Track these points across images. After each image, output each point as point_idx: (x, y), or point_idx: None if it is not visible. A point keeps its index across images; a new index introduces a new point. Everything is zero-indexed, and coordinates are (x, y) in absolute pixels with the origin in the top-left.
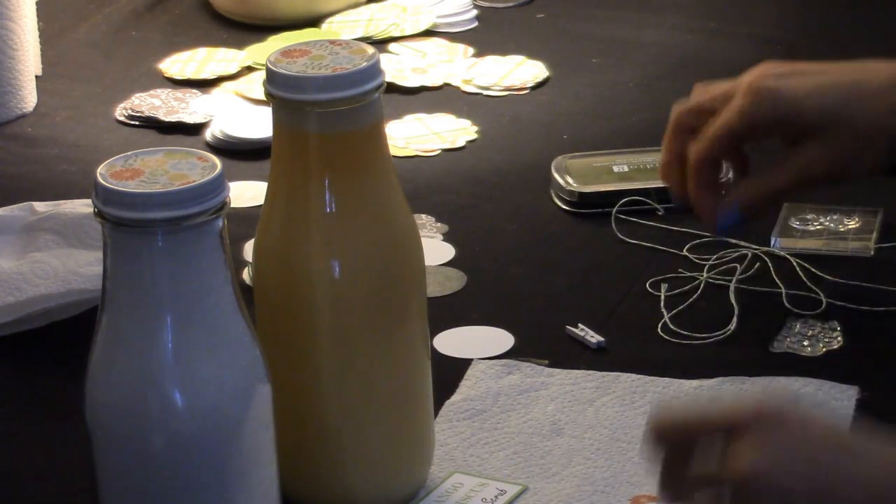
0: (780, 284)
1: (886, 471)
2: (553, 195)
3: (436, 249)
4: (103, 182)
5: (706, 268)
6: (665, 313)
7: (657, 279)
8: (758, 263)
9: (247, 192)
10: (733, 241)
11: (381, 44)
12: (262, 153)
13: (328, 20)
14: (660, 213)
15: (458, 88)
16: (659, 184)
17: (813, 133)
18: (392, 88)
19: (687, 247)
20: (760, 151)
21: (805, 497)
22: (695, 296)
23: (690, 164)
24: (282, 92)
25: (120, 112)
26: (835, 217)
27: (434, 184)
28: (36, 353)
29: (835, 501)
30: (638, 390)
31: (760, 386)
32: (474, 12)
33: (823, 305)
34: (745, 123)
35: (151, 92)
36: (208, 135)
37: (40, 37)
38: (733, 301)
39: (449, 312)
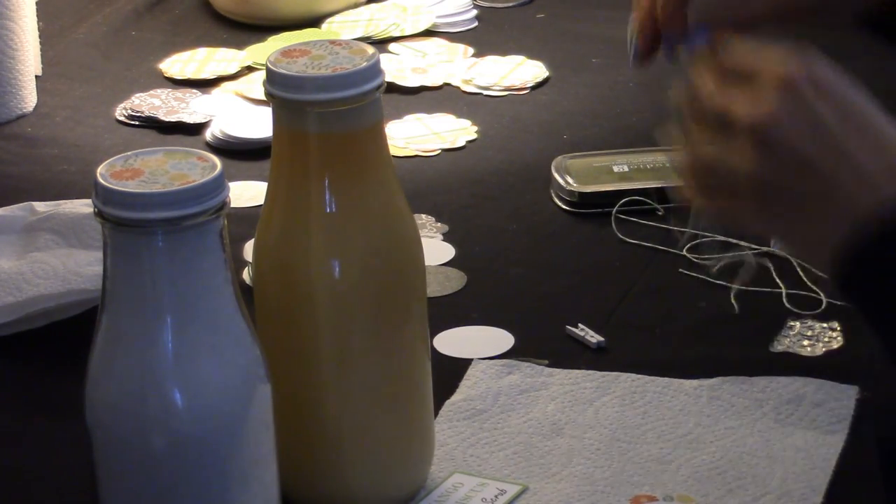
0: (781, 284)
1: None
2: (553, 195)
3: (436, 249)
4: (103, 182)
5: (706, 268)
6: (665, 313)
7: (657, 279)
8: (758, 264)
9: (247, 192)
10: (734, 241)
11: (381, 44)
12: (262, 153)
13: (328, 20)
14: (660, 213)
15: (458, 88)
16: (659, 184)
17: None
18: (392, 88)
19: (687, 247)
20: None
21: (813, 156)
22: (695, 296)
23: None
24: (282, 92)
25: (120, 112)
26: None
27: (434, 184)
28: (36, 353)
29: (840, 163)
30: (638, 390)
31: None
32: (474, 12)
33: (823, 305)
34: None
35: (151, 92)
36: (208, 135)
37: (40, 37)
38: (733, 301)
39: (449, 312)
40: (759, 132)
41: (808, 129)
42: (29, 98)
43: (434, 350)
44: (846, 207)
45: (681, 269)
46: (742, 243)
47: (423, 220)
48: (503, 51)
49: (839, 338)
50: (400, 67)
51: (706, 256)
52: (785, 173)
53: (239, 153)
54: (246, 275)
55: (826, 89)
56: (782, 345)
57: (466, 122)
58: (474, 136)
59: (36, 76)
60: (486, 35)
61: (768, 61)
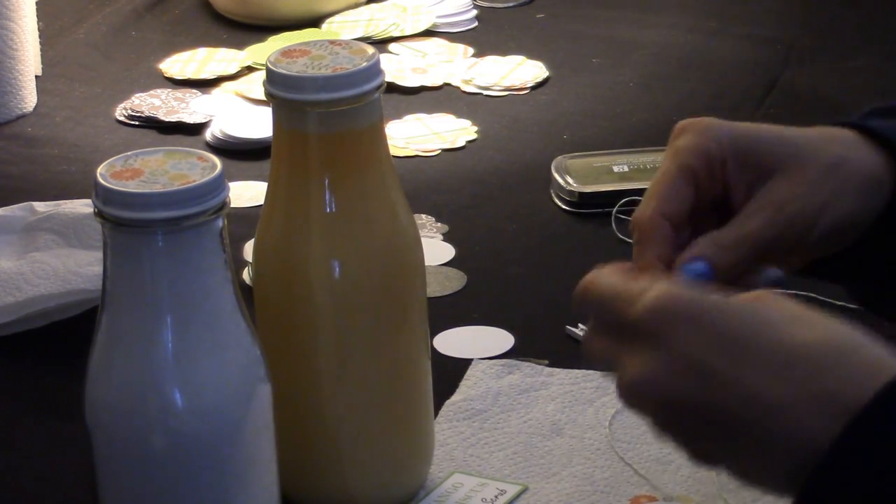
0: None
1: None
2: (553, 195)
3: (436, 249)
4: (103, 182)
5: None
6: None
7: None
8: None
9: (247, 192)
10: None
11: (381, 44)
12: (262, 153)
13: (328, 20)
14: None
15: (458, 88)
16: None
17: (775, 169)
18: (392, 88)
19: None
20: None
21: (691, 406)
22: None
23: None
24: (282, 92)
25: (120, 112)
26: None
27: (434, 184)
28: (36, 353)
29: (720, 411)
30: None
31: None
32: (474, 12)
33: (823, 305)
34: (697, 159)
35: (151, 92)
36: (208, 135)
37: (40, 37)
38: None
39: (449, 312)
40: (639, 392)
41: (686, 374)
42: (29, 98)
43: (434, 350)
44: (776, 455)
45: None
46: None
47: (423, 220)
48: (503, 51)
49: None
50: (400, 67)
51: None
52: (686, 426)
53: (239, 153)
54: (246, 275)
55: (689, 320)
56: None
57: (466, 122)
58: (474, 136)
59: (36, 76)
60: (486, 35)
61: (622, 302)
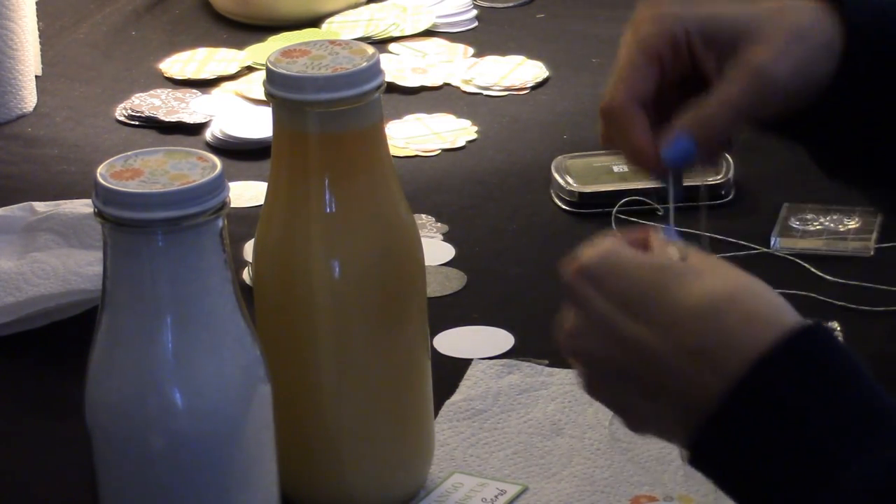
0: (780, 284)
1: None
2: (553, 195)
3: (436, 249)
4: (103, 182)
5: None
6: None
7: None
8: (758, 263)
9: (247, 192)
10: (733, 240)
11: (381, 44)
12: (262, 153)
13: (328, 20)
14: (660, 214)
15: (458, 88)
16: (659, 184)
17: (742, 40)
18: (392, 88)
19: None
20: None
21: (605, 361)
22: None
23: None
24: (282, 92)
25: (120, 112)
26: (835, 217)
27: (434, 184)
28: (36, 353)
29: (625, 365)
30: None
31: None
32: (474, 12)
33: (823, 305)
34: (661, 42)
35: (151, 92)
36: (208, 135)
37: (40, 37)
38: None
39: (449, 312)
40: (564, 350)
41: (594, 329)
42: (29, 98)
43: (434, 350)
44: (668, 408)
45: None
46: (742, 243)
47: (423, 220)
48: (503, 51)
49: (839, 338)
50: (400, 67)
51: None
52: (605, 378)
53: (239, 153)
54: (246, 275)
55: (601, 280)
56: None
57: (466, 122)
58: (474, 136)
59: (36, 76)
60: (486, 35)
61: (566, 265)
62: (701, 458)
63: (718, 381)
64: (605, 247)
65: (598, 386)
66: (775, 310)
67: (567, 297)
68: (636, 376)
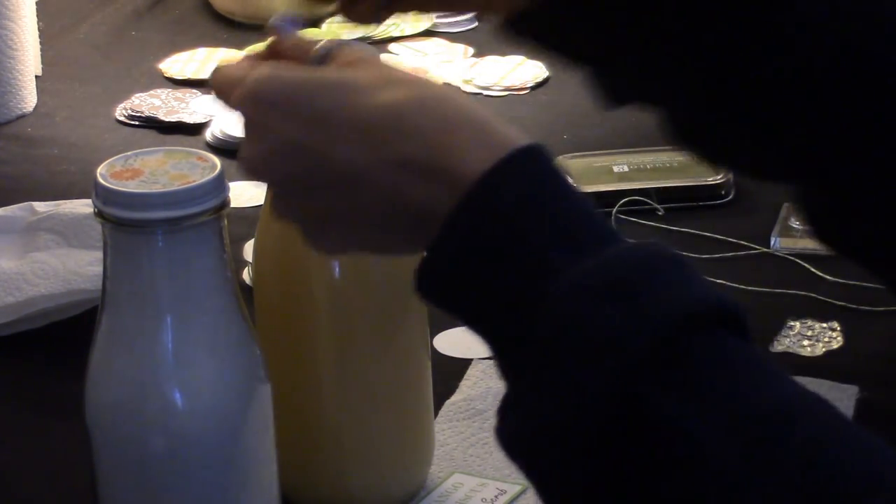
0: (780, 284)
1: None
2: None
3: None
4: (103, 182)
5: (706, 268)
6: None
7: None
8: (758, 263)
9: (247, 192)
10: (733, 240)
11: (381, 44)
12: None
13: (328, 20)
14: (660, 213)
15: (458, 88)
16: (659, 184)
17: None
18: None
19: (687, 246)
20: None
21: (300, 185)
22: None
23: None
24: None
25: (120, 112)
26: None
27: None
28: (36, 353)
29: (324, 185)
30: None
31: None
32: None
33: (823, 305)
34: None
35: (151, 92)
36: (208, 135)
37: (40, 37)
38: None
39: None
40: (254, 178)
41: (286, 153)
42: (29, 98)
43: (434, 350)
44: (373, 217)
45: None
46: (742, 242)
47: None
48: (503, 51)
49: (839, 338)
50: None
51: (706, 256)
52: (307, 201)
53: None
54: (246, 275)
55: (279, 104)
56: (782, 345)
57: None
58: None
59: (36, 76)
60: (486, 35)
61: (231, 86)
62: (429, 272)
63: (426, 190)
64: (265, 70)
65: (308, 213)
66: (465, 114)
67: (245, 124)
68: (341, 196)
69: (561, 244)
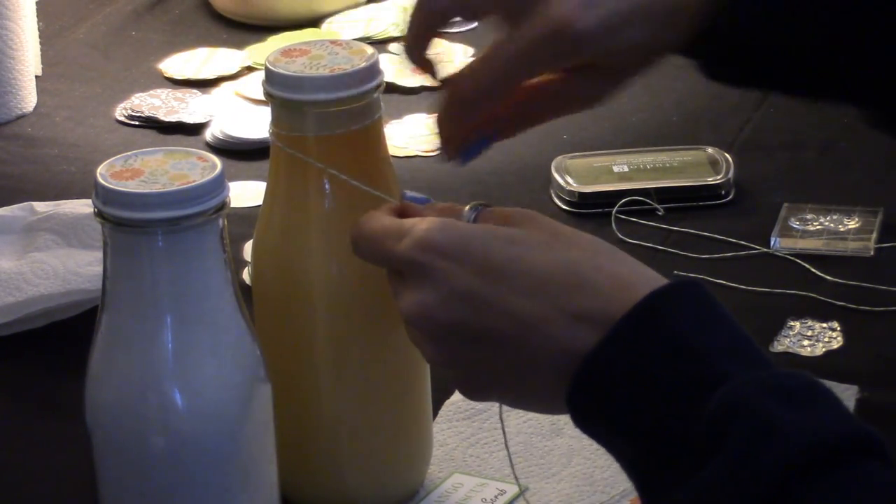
0: (780, 284)
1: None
2: (553, 195)
3: None
4: (103, 182)
5: (706, 268)
6: None
7: None
8: (758, 263)
9: (247, 192)
10: (733, 240)
11: (381, 44)
12: (262, 153)
13: (328, 20)
14: (660, 213)
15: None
16: (659, 184)
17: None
18: (392, 88)
19: (687, 246)
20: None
21: (463, 333)
22: None
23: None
24: (280, 92)
25: (120, 112)
26: (835, 217)
27: (434, 184)
28: (36, 353)
29: (489, 333)
30: None
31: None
32: None
33: (823, 305)
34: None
35: (151, 92)
36: (208, 135)
37: (40, 37)
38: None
39: None
40: (415, 326)
41: (456, 302)
42: (29, 98)
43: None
44: (541, 368)
45: (676, 272)
46: (742, 242)
47: None
48: None
49: (839, 338)
50: (400, 67)
51: (706, 256)
52: (467, 352)
53: (239, 153)
54: (246, 275)
55: (453, 253)
56: (782, 345)
57: None
58: None
59: (36, 76)
60: (486, 35)
61: (389, 240)
62: (582, 407)
63: (597, 336)
64: (435, 221)
65: (455, 361)
66: (639, 269)
67: (409, 272)
68: (509, 347)
69: (733, 355)
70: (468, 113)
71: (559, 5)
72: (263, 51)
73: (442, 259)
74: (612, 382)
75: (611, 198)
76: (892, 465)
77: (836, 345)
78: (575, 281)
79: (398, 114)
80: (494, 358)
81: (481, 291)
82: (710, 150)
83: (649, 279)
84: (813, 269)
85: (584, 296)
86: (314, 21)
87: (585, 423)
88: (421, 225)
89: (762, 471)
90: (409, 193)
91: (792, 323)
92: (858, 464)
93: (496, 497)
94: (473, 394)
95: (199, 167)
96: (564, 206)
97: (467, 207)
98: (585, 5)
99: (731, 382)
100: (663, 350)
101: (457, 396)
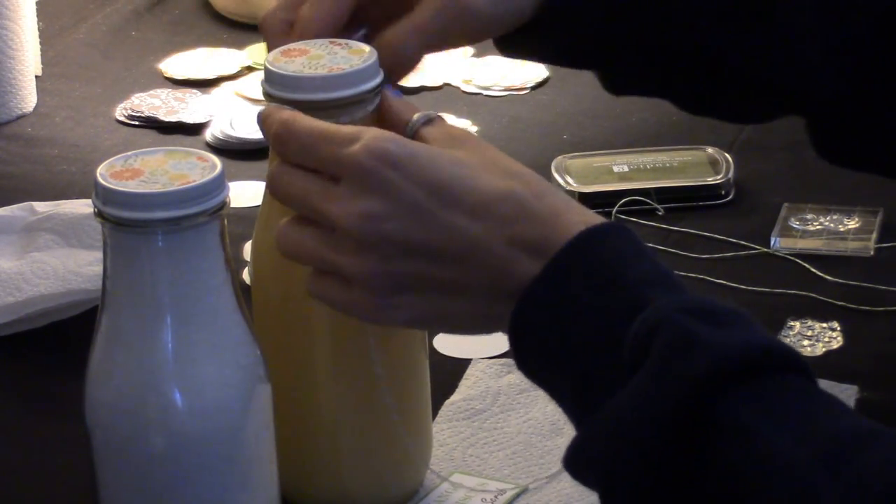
0: (780, 284)
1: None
2: None
3: None
4: (103, 182)
5: (706, 268)
6: None
7: None
8: (758, 263)
9: (247, 192)
10: (733, 240)
11: None
12: (262, 153)
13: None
14: (660, 213)
15: (458, 88)
16: (659, 184)
17: None
18: None
19: (687, 246)
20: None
21: (412, 244)
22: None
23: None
24: (279, 91)
25: (120, 112)
26: (835, 217)
27: None
28: (36, 353)
29: (435, 247)
30: None
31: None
32: None
33: (823, 305)
34: None
35: (151, 92)
36: (208, 135)
37: (40, 37)
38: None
39: None
40: (351, 235)
41: (403, 213)
42: (29, 98)
43: (434, 350)
44: (481, 288)
45: (676, 272)
46: (742, 242)
47: None
48: None
49: (839, 338)
50: None
51: (706, 256)
52: (403, 264)
53: (239, 153)
54: (246, 275)
55: (403, 165)
56: None
57: (466, 122)
58: None
59: (36, 76)
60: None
61: (333, 144)
62: (521, 335)
63: (535, 262)
64: (385, 132)
65: (394, 279)
66: (569, 200)
67: (355, 179)
68: (449, 263)
69: (656, 284)
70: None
71: None
72: (263, 51)
73: (391, 169)
74: (551, 313)
75: (611, 198)
76: (814, 380)
77: (835, 345)
78: (515, 208)
79: None
80: (430, 273)
81: (428, 206)
82: (710, 150)
83: (581, 210)
84: (813, 269)
85: (522, 222)
86: None
87: (523, 350)
88: (370, 132)
89: (683, 380)
90: (391, 88)
91: (792, 323)
92: (778, 377)
93: (496, 497)
94: (392, 311)
95: (199, 167)
96: None
97: (416, 115)
98: None
99: (654, 304)
100: (594, 281)
101: (456, 396)
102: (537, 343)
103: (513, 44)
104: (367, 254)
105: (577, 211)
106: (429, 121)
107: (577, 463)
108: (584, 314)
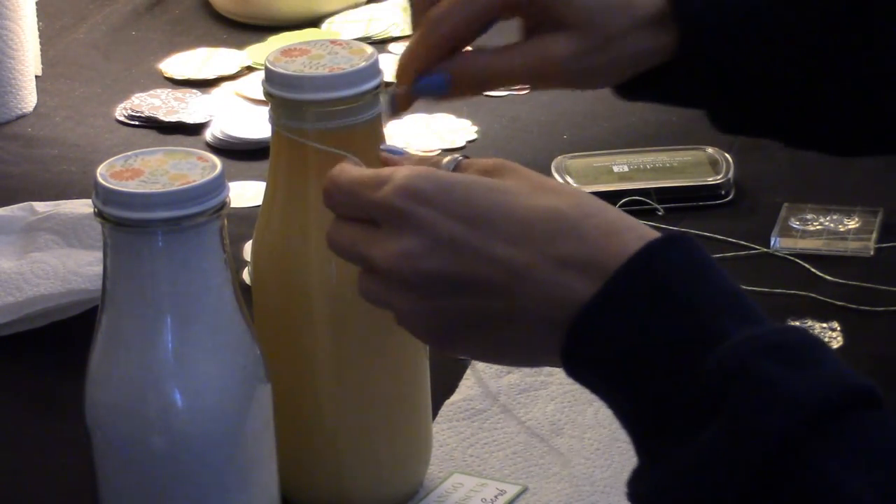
0: (780, 284)
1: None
2: None
3: None
4: (103, 182)
5: None
6: None
7: None
8: (758, 263)
9: (247, 192)
10: (733, 240)
11: (381, 44)
12: (262, 153)
13: (328, 20)
14: (660, 213)
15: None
16: (659, 184)
17: (560, 23)
18: None
19: None
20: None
21: (448, 281)
22: None
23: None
24: (279, 91)
25: (120, 112)
26: (835, 217)
27: None
28: (36, 353)
29: (473, 281)
30: None
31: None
32: None
33: (823, 305)
34: None
35: (151, 92)
36: (208, 135)
37: (40, 37)
38: None
39: None
40: (394, 276)
41: (440, 249)
42: (29, 98)
43: (434, 350)
44: (544, 311)
45: None
46: (742, 242)
47: None
48: None
49: (839, 338)
50: None
51: None
52: (448, 301)
53: (239, 153)
54: (246, 275)
55: (435, 200)
56: None
57: (466, 122)
58: (474, 135)
59: (36, 76)
60: (485, 35)
61: (368, 189)
62: (578, 357)
63: (588, 285)
64: (417, 169)
65: (442, 316)
66: (624, 217)
67: (390, 220)
68: (495, 296)
69: (728, 311)
70: (439, 47)
71: (557, 41)
72: (263, 51)
73: (424, 206)
74: (610, 335)
75: (611, 198)
76: (886, 410)
77: (836, 345)
78: (560, 227)
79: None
80: (477, 307)
81: (466, 239)
82: (710, 150)
83: (636, 226)
84: (813, 269)
85: (570, 241)
86: (314, 21)
87: (580, 375)
88: (401, 172)
89: (765, 434)
90: (385, 145)
91: (792, 323)
92: (859, 416)
93: (496, 497)
94: (449, 346)
95: (199, 167)
96: None
97: (446, 159)
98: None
99: (728, 342)
100: (661, 304)
101: (456, 396)
102: (594, 360)
103: (633, 89)
104: (409, 293)
105: (631, 226)
106: (462, 158)
107: None
108: (653, 343)
